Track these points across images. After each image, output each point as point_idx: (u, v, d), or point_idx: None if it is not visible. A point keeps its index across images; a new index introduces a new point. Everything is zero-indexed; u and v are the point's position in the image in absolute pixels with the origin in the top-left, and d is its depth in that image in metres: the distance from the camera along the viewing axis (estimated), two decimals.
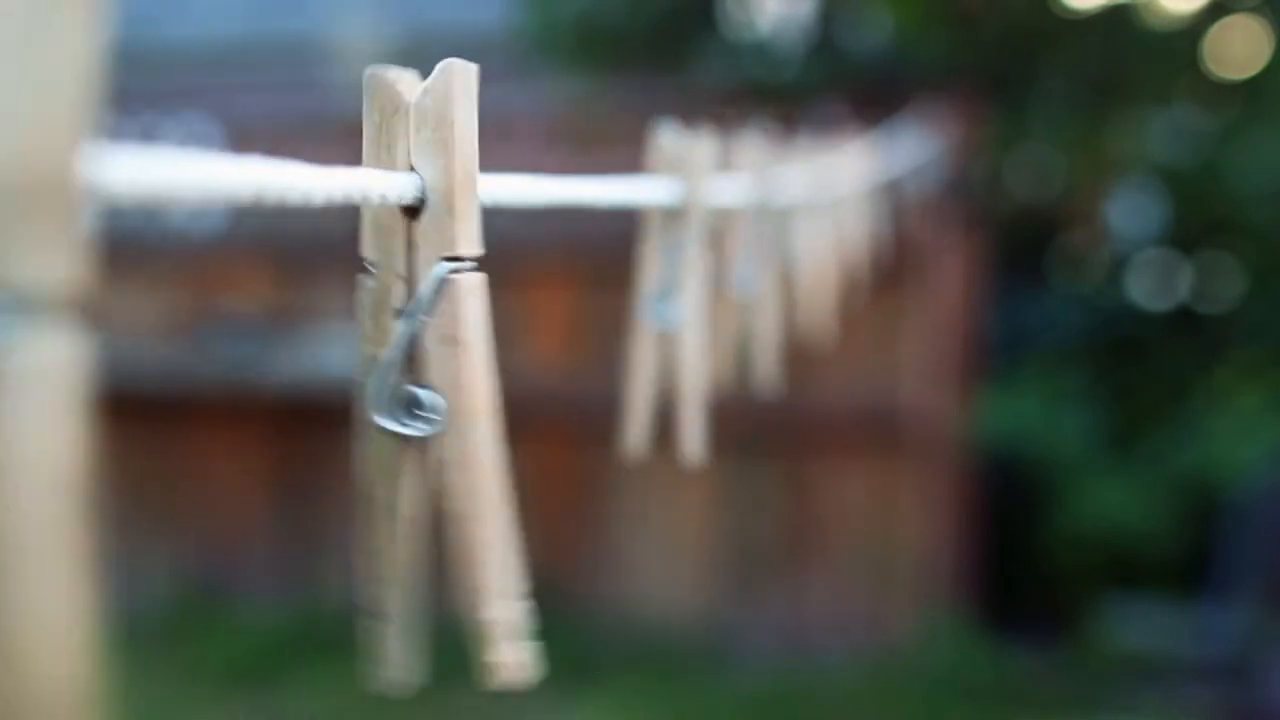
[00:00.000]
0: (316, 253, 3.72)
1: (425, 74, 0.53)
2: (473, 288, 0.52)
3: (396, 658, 0.55)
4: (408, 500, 0.54)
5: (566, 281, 3.64)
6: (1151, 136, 3.75)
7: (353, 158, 0.53)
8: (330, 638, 3.46)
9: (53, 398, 0.30)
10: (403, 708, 3.20)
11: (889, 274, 3.17)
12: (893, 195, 2.52)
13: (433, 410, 0.52)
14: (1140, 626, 3.38)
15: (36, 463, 0.29)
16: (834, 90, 3.36)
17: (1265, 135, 3.45)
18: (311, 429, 3.76)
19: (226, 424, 3.92)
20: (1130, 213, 3.97)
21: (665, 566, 3.65)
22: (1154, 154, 3.74)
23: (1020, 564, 3.55)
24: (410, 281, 0.52)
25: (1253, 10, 3.53)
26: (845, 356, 3.41)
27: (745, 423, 3.43)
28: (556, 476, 3.64)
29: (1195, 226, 3.71)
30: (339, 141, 0.87)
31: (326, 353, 3.68)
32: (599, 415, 3.20)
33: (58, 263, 0.30)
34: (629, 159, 1.07)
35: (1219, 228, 3.66)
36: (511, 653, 0.53)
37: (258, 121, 3.82)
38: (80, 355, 0.30)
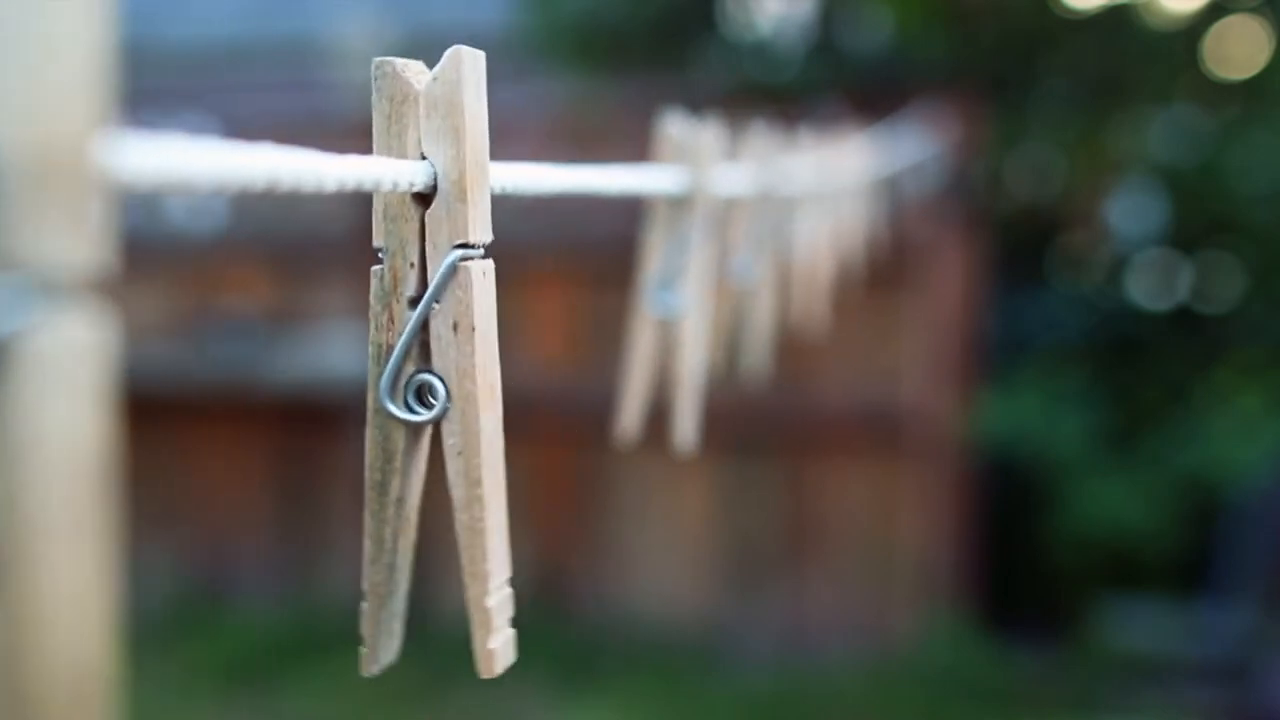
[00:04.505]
0: (316, 253, 3.72)
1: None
2: (483, 274, 0.52)
3: (386, 640, 0.56)
4: (411, 487, 0.54)
5: (565, 281, 3.64)
6: (1151, 136, 3.75)
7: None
8: (329, 638, 3.46)
9: (73, 381, 0.30)
10: (402, 707, 3.19)
11: (889, 273, 3.17)
12: (892, 194, 2.52)
13: (440, 396, 0.52)
14: (1140, 626, 3.38)
15: (56, 445, 0.29)
16: (834, 90, 3.36)
17: (1265, 135, 3.46)
18: (311, 429, 3.76)
19: (226, 424, 3.92)
20: (1130, 213, 3.96)
21: (665, 566, 3.64)
22: (1154, 154, 3.74)
23: (1020, 564, 3.55)
24: (421, 269, 0.52)
25: (1253, 10, 3.53)
26: (845, 357, 3.42)
27: (746, 422, 3.43)
28: (555, 476, 3.64)
29: (1195, 226, 3.71)
30: (340, 141, 0.87)
31: (326, 352, 3.68)
32: (598, 415, 3.20)
33: (77, 246, 0.30)
34: (628, 158, 1.07)
35: (1219, 228, 3.66)
36: (505, 639, 0.54)
37: (258, 121, 3.82)
38: (101, 340, 0.30)
